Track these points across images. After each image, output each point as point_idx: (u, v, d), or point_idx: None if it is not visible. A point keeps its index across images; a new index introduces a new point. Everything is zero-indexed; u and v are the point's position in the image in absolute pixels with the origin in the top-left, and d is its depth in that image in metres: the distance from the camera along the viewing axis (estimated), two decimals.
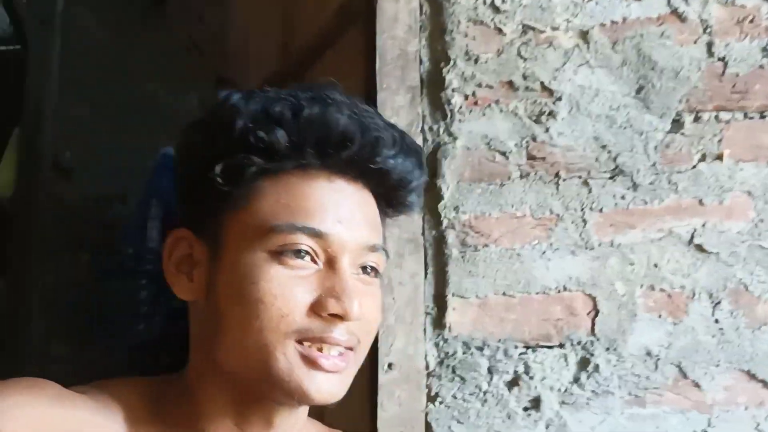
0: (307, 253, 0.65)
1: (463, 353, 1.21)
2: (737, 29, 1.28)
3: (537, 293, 1.22)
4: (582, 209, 1.24)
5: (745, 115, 1.25)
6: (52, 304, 2.55)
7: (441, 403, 1.20)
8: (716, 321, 1.19)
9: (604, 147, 1.26)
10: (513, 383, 1.20)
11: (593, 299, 1.21)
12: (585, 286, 1.22)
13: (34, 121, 2.73)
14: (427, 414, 1.20)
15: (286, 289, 0.63)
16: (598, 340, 1.20)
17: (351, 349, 0.66)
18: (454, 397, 1.20)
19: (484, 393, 1.20)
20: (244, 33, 2.04)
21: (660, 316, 1.20)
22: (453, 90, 1.30)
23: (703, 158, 1.24)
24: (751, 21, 1.27)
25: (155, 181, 3.02)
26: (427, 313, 1.24)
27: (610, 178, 1.25)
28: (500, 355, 1.21)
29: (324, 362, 0.63)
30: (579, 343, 1.20)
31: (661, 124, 1.26)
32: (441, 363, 1.22)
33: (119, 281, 2.87)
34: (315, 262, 0.65)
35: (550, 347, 1.21)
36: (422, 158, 0.75)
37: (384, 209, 0.74)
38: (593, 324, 1.21)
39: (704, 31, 1.27)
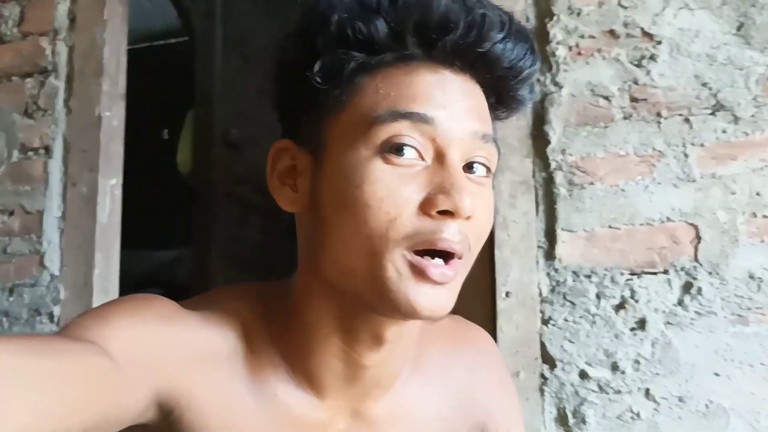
0: (413, 147, 0.59)
1: (573, 281, 1.34)
2: None
3: (641, 224, 1.33)
4: (684, 144, 1.32)
5: None
6: (230, 263, 2.90)
7: (554, 325, 1.34)
8: None
9: (704, 84, 1.33)
10: (620, 306, 1.31)
11: (696, 228, 1.30)
12: (687, 216, 1.30)
13: (204, 104, 3.08)
14: (541, 335, 1.35)
15: (393, 189, 0.58)
16: (701, 265, 1.29)
17: (460, 257, 0.60)
18: (566, 320, 1.34)
19: (593, 315, 1.32)
20: None
21: (762, 241, 1.26)
22: (557, 42, 1.41)
23: None
24: None
25: None
26: (539, 247, 1.38)
27: (711, 113, 1.32)
28: (607, 282, 1.33)
29: (433, 271, 0.58)
30: (683, 268, 1.29)
31: (762, 58, 1.31)
32: (553, 290, 1.35)
33: (283, 241, 3.19)
34: (422, 158, 0.60)
35: (654, 273, 1.31)
36: (534, 45, 0.65)
37: (495, 107, 0.67)
38: (696, 251, 1.29)
39: None
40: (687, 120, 1.33)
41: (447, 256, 0.59)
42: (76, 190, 1.67)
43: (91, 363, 0.53)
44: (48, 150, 1.72)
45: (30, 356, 0.49)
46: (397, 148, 0.59)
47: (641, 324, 1.30)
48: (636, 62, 1.37)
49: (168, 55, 3.70)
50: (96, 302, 1.62)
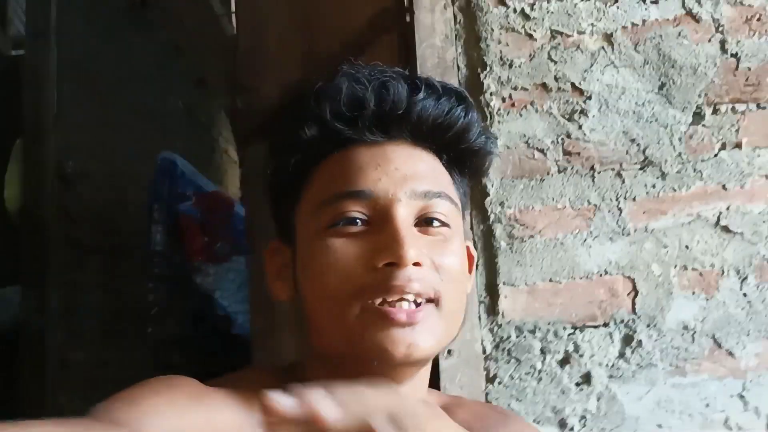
0: (357, 218, 0.66)
1: (517, 336, 1.32)
2: (746, 27, 1.39)
3: (581, 278, 1.33)
4: (617, 198, 1.35)
5: (758, 106, 1.37)
6: (67, 310, 2.59)
7: (499, 383, 1.30)
8: (744, 294, 1.31)
9: (633, 140, 1.37)
10: (564, 361, 1.31)
11: (632, 281, 1.33)
12: (624, 269, 1.33)
13: (34, 133, 2.75)
14: (486, 395, 1.30)
15: (342, 254, 0.64)
16: (639, 317, 1.31)
17: (431, 301, 0.64)
18: (511, 377, 1.31)
19: (539, 372, 1.30)
20: (256, 37, 2.10)
21: (694, 293, 1.32)
22: (491, 93, 1.39)
23: (723, 147, 1.36)
24: (758, 19, 1.39)
25: (156, 186, 3.07)
26: (480, 302, 1.34)
27: (641, 168, 1.36)
28: (551, 337, 1.32)
29: (396, 315, 0.62)
30: (622, 321, 1.32)
31: (683, 117, 1.37)
32: (497, 347, 1.32)
33: (128, 286, 2.92)
34: (368, 224, 0.66)
35: (596, 327, 1.32)
36: (464, 97, 0.71)
37: (452, 165, 0.73)
38: (634, 303, 1.32)
39: (717, 29, 1.39)
40: (619, 174, 1.36)
41: (414, 302, 0.63)
42: None
43: None
44: None
45: None
46: (344, 223, 0.66)
47: (586, 378, 1.30)
48: (567, 116, 1.39)
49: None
50: None
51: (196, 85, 4.34)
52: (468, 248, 0.76)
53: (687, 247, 1.33)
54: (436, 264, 0.65)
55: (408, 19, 1.45)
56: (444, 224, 0.68)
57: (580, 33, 1.41)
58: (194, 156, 3.40)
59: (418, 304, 0.63)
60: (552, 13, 1.41)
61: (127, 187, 3.10)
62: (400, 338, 0.62)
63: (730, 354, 1.29)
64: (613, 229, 1.34)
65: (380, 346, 0.62)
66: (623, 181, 1.36)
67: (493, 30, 1.41)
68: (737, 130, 1.36)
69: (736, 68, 1.38)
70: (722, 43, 1.39)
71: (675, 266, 1.33)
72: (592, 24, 1.40)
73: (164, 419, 0.59)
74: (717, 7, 1.40)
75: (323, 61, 1.76)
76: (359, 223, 0.66)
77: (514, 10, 1.41)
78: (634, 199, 1.35)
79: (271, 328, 1.91)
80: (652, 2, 1.39)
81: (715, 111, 1.37)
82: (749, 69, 1.38)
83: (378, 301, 0.62)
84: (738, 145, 1.36)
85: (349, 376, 0.63)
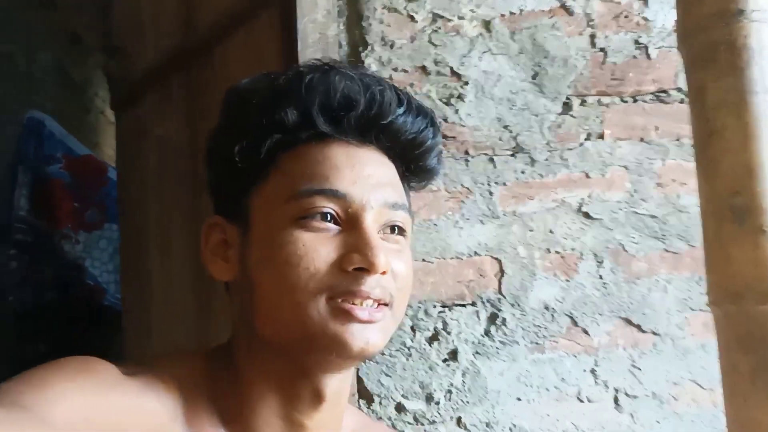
0: (328, 216, 0.66)
1: None
2: (614, 23, 1.47)
3: (452, 258, 1.38)
4: (488, 183, 1.40)
5: (621, 99, 1.45)
6: None
7: (371, 359, 1.33)
8: (600, 277, 1.40)
9: (506, 127, 1.42)
10: (433, 338, 1.35)
11: (499, 262, 1.38)
12: (492, 251, 1.39)
13: None
14: (358, 370, 1.33)
15: (311, 248, 0.65)
16: (504, 297, 1.38)
17: (386, 305, 0.67)
18: (382, 353, 1.34)
19: (409, 348, 1.34)
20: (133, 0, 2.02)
21: (555, 275, 1.39)
22: None
23: (588, 137, 1.43)
24: (626, 16, 1.47)
25: (21, 147, 2.90)
26: None
27: (512, 155, 1.42)
28: (421, 315, 1.36)
29: (358, 312, 0.64)
30: (488, 300, 1.37)
31: (553, 106, 1.44)
32: None
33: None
34: (338, 224, 0.67)
35: (464, 305, 1.37)
36: (435, 120, 0.74)
37: (406, 177, 0.75)
38: (500, 284, 1.38)
39: (588, 24, 1.46)
40: (491, 159, 1.41)
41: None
42: None
43: None
44: None
45: None
46: (314, 217, 0.66)
47: (453, 355, 1.35)
48: (445, 100, 1.42)
49: None
50: None
51: (71, 42, 4.10)
52: None
53: (551, 231, 1.40)
54: (394, 271, 0.68)
55: None
56: (402, 234, 0.70)
57: (461, 18, 1.44)
58: (66, 117, 3.22)
59: (376, 305, 0.66)
60: None
61: None
62: (359, 334, 0.64)
63: (585, 332, 1.38)
64: (484, 212, 1.39)
65: (340, 340, 0.64)
66: (495, 166, 1.41)
67: (375, 9, 1.42)
68: (601, 122, 1.44)
69: (603, 62, 1.45)
70: (592, 37, 1.45)
71: (539, 249, 1.40)
72: (472, 10, 1.44)
73: (74, 405, 0.57)
74: (589, 2, 1.46)
75: (202, 31, 1.71)
76: (330, 219, 0.66)
77: None
78: (504, 183, 1.41)
79: (141, 300, 1.87)
80: None
81: (583, 102, 1.44)
82: (615, 64, 1.45)
83: (342, 299, 0.65)
84: (601, 136, 1.43)
85: (295, 364, 0.67)
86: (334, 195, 0.67)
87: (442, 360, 1.35)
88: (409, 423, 1.32)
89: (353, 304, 0.65)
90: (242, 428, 0.68)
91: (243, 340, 0.71)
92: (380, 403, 1.32)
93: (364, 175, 0.68)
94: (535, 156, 1.42)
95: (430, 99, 1.41)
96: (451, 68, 1.42)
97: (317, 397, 0.68)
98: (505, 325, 1.37)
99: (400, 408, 1.32)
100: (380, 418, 1.32)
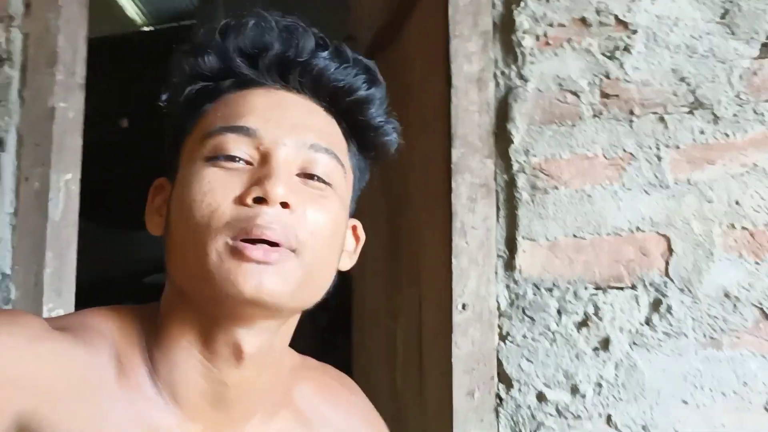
0: (240, 158, 0.64)
1: (534, 294, 1.23)
2: None
3: (608, 234, 1.21)
4: (657, 146, 1.20)
5: None
6: None
7: (512, 342, 1.24)
8: None
9: (683, 79, 1.20)
10: (582, 324, 1.20)
11: (667, 239, 1.18)
12: (659, 226, 1.18)
13: None
14: (498, 352, 1.24)
15: (215, 185, 0.63)
16: (672, 280, 1.17)
17: (293, 251, 0.63)
18: (524, 336, 1.23)
19: (553, 333, 1.22)
20: None
21: (740, 256, 1.14)
22: (524, 32, 1.28)
23: None
24: None
25: None
26: (498, 256, 1.27)
27: (689, 111, 1.19)
28: (570, 296, 1.21)
29: (252, 252, 0.60)
30: (651, 284, 1.18)
31: (747, 50, 1.17)
32: (512, 304, 1.25)
33: None
34: (249, 163, 0.65)
35: (621, 288, 1.19)
36: (374, 71, 0.70)
37: (352, 140, 0.72)
38: (667, 264, 1.17)
39: None
40: (662, 119, 1.20)
41: (272, 245, 0.61)
42: (29, 185, 1.60)
43: None
44: (1, 143, 1.65)
45: None
46: (224, 156, 0.64)
47: (605, 344, 1.19)
48: (608, 54, 1.24)
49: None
50: (47, 303, 1.55)
51: (345, 41, 4.40)
52: (355, 227, 0.75)
53: (737, 202, 1.15)
54: (307, 215, 0.64)
55: None
56: (325, 183, 0.67)
57: None
58: None
59: (276, 247, 0.62)
60: None
61: None
62: (251, 275, 0.60)
63: None
64: (650, 181, 1.19)
65: (230, 280, 0.60)
66: (666, 126, 1.20)
67: None
68: None
69: None
70: None
71: (720, 224, 1.15)
72: None
73: (5, 356, 0.58)
74: None
75: (393, 14, 1.73)
76: (239, 161, 0.64)
77: None
78: (677, 146, 1.19)
79: None
80: None
81: None
82: None
83: (239, 238, 0.61)
84: None
85: (205, 314, 0.65)
86: (245, 132, 0.65)
87: (591, 348, 1.19)
88: (551, 415, 1.19)
89: (248, 242, 0.61)
90: (168, 384, 0.66)
91: (168, 293, 0.69)
92: (519, 389, 1.21)
93: (281, 115, 0.66)
94: (719, 112, 1.17)
95: (590, 54, 1.25)
96: (616, 16, 1.24)
97: (236, 354, 0.65)
98: (670, 314, 1.16)
99: (541, 397, 1.20)
100: (519, 406, 1.21)
